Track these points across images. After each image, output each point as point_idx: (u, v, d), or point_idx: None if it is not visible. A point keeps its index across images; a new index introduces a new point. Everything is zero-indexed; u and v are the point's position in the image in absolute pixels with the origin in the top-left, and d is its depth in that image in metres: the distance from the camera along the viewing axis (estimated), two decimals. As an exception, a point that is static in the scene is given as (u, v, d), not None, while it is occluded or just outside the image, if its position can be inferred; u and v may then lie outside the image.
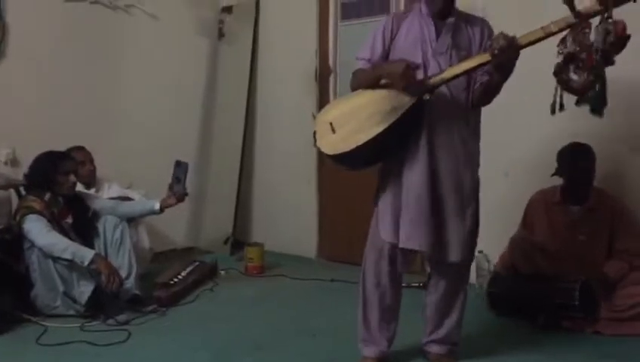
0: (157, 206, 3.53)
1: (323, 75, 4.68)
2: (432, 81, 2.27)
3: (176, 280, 3.71)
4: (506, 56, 2.14)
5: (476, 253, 3.61)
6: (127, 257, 3.39)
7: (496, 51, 2.13)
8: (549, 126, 3.46)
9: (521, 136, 3.65)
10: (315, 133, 2.45)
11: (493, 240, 3.35)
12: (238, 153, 4.94)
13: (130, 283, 3.36)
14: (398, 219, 2.38)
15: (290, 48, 4.84)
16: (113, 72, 4.53)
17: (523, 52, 2.16)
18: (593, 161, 3.10)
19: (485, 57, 2.20)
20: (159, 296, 3.46)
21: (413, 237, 2.35)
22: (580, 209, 3.15)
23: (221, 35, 5.20)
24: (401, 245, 2.39)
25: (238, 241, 4.91)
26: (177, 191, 3.49)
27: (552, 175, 3.14)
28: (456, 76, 2.28)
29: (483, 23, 2.45)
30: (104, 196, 3.88)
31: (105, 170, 4.10)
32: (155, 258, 4.26)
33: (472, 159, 2.44)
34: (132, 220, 3.62)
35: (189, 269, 3.93)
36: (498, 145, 3.56)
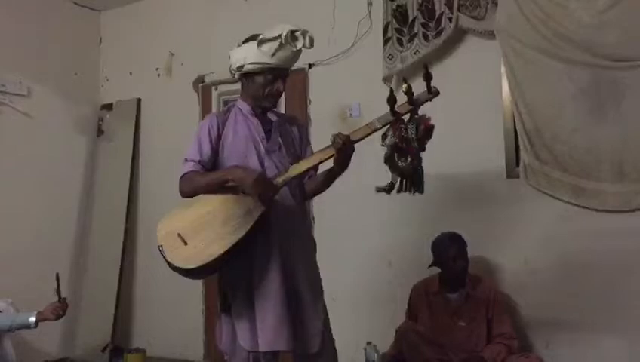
0: (32, 319, 3.21)
1: (206, 172, 4.67)
2: (280, 179, 2.33)
3: (45, 396, 3.38)
4: (346, 151, 2.29)
5: (365, 345, 3.67)
6: (-11, 374, 3.06)
7: (339, 147, 2.27)
8: (429, 214, 3.65)
9: (392, 223, 3.74)
10: (160, 247, 2.33)
11: (382, 330, 3.38)
12: (118, 254, 4.73)
13: (-9, 404, 3.01)
14: (255, 325, 2.31)
15: (172, 145, 4.77)
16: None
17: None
18: (465, 248, 3.24)
19: (329, 153, 2.33)
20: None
21: (276, 339, 2.30)
22: (458, 296, 3.26)
23: (100, 132, 5.10)
24: (265, 349, 2.30)
25: (117, 348, 4.62)
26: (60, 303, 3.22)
27: (429, 266, 3.26)
28: (301, 173, 2.38)
29: (298, 121, 2.64)
30: (-37, 307, 3.51)
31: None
32: (23, 372, 3.87)
33: (313, 250, 2.53)
34: (-4, 332, 3.29)
35: (60, 383, 3.60)
36: (381, 235, 3.68)
